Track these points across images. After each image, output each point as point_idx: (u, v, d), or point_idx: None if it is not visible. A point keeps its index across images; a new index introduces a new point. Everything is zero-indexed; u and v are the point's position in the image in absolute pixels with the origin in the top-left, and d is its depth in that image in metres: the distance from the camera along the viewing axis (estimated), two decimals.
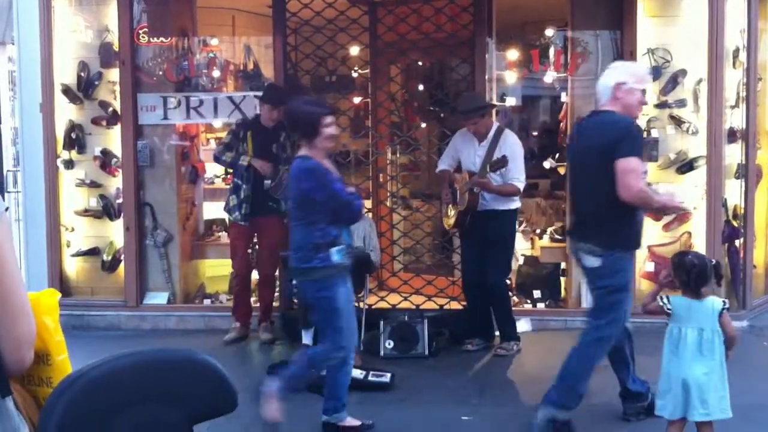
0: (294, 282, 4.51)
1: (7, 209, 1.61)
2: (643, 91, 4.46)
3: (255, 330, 6.56)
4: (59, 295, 1.80)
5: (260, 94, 6.55)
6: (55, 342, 1.72)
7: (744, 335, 6.29)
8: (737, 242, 6.66)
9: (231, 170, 6.79)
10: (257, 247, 6.71)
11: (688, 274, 3.75)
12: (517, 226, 6.52)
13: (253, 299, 6.75)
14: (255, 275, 6.76)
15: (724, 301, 3.78)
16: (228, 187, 6.77)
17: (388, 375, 5.26)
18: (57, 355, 1.72)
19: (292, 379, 4.36)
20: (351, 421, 4.48)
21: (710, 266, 3.77)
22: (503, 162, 5.64)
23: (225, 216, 6.86)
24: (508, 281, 6.56)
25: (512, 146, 5.86)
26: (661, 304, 3.83)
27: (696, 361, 3.70)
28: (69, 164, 7.11)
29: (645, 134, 6.53)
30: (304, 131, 4.36)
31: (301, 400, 4.86)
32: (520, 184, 5.87)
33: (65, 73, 7.07)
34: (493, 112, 6.65)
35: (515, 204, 6.02)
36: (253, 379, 5.40)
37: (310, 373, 4.43)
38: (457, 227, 6.12)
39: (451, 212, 6.08)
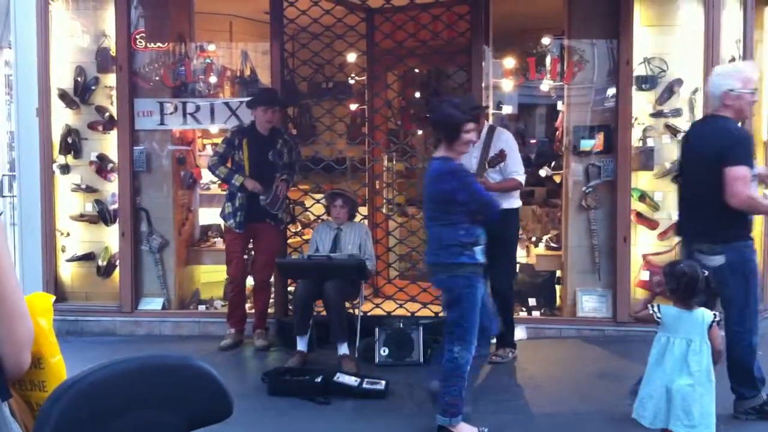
0: (434, 279, 4.61)
1: (1, 213, 1.62)
2: (753, 91, 4.60)
3: (249, 336, 6.55)
4: (53, 297, 1.80)
5: (250, 100, 6.52)
6: (49, 344, 1.71)
7: None
8: None
9: None
10: (252, 252, 6.71)
11: (677, 283, 3.75)
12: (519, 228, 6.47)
13: (247, 305, 6.73)
14: (249, 281, 6.76)
15: (714, 314, 3.76)
16: (224, 193, 6.76)
17: (383, 382, 5.26)
18: (51, 357, 1.71)
19: (449, 397, 4.40)
20: None
21: (702, 278, 3.76)
22: (501, 157, 5.59)
23: (221, 222, 6.85)
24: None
25: (507, 141, 5.83)
26: (651, 312, 3.82)
27: (682, 372, 3.68)
28: (65, 169, 7.10)
29: (640, 144, 6.57)
30: (446, 133, 4.49)
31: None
32: (521, 177, 5.83)
33: (62, 78, 7.08)
34: (489, 113, 6.66)
35: (516, 203, 5.97)
36: (248, 386, 5.42)
37: (459, 383, 4.42)
38: None
39: None
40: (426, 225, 4.64)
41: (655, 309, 3.81)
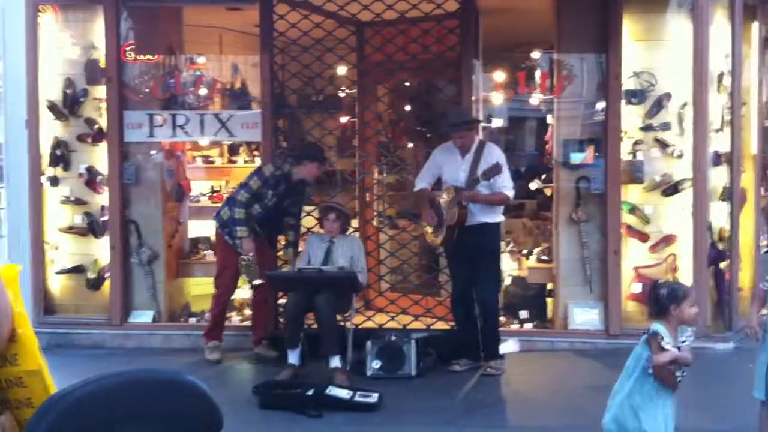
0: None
1: None
2: None
3: (248, 349, 6.51)
4: (20, 267, 1.80)
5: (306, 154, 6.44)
6: (17, 314, 1.71)
7: (730, 357, 6.33)
8: (723, 264, 6.70)
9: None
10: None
11: (648, 294, 3.77)
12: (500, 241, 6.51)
13: (239, 319, 6.69)
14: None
15: (651, 328, 3.64)
16: (215, 205, 6.69)
17: (375, 395, 5.23)
18: (19, 327, 1.71)
19: None
20: None
21: (659, 283, 3.71)
22: (497, 169, 5.64)
23: (210, 234, 6.77)
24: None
25: (498, 157, 5.88)
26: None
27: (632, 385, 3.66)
28: (54, 181, 7.06)
29: (630, 157, 6.59)
30: None
31: None
32: (510, 192, 5.89)
33: (51, 90, 7.04)
34: (480, 127, 6.68)
35: (499, 217, 6.06)
36: (239, 399, 5.37)
37: None
38: (444, 243, 6.10)
39: (430, 230, 6.07)
40: None
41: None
